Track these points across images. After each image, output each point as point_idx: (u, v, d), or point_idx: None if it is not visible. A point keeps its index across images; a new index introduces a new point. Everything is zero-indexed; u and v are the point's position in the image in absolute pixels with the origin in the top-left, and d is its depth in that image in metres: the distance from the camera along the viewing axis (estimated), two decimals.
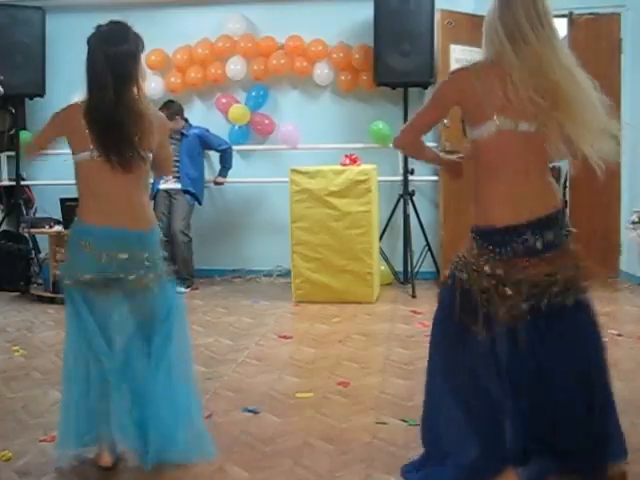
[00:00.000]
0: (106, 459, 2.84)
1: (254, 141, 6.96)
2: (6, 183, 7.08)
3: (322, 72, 6.67)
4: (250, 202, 7.03)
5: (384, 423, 3.28)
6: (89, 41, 2.77)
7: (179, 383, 2.85)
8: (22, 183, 7.02)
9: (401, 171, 6.52)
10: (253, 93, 6.84)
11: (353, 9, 6.54)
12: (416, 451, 2.71)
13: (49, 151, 6.60)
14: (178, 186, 6.46)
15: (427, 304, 5.26)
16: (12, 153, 6.93)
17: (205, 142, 6.59)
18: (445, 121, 5.98)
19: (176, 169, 6.43)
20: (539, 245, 2.41)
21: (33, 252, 6.55)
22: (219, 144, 6.63)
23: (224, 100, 6.88)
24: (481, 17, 2.52)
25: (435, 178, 6.66)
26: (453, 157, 2.80)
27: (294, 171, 5.91)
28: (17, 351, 4.60)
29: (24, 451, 3.04)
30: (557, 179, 9.22)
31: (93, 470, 2.86)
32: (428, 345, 2.60)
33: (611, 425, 2.51)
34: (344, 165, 5.93)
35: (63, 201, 5.96)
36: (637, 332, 4.72)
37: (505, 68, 2.34)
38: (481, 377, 2.42)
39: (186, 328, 3.00)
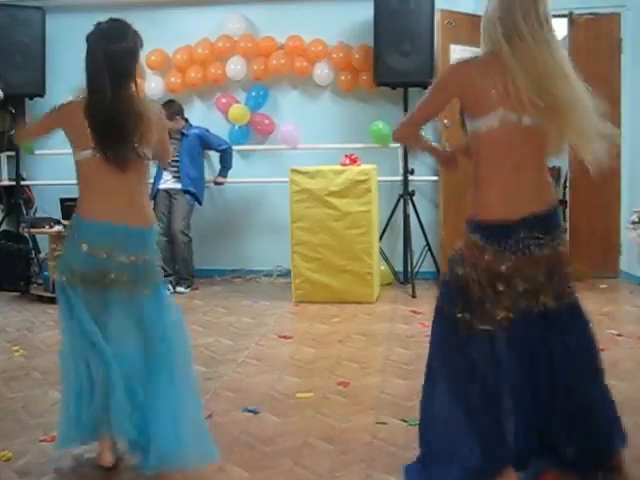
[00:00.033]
0: (107, 459, 2.84)
1: (254, 141, 6.96)
2: (6, 183, 7.08)
3: (322, 72, 6.67)
4: (250, 202, 7.03)
5: (384, 423, 3.28)
6: (88, 38, 2.78)
7: (180, 386, 2.84)
8: (22, 183, 7.03)
9: (401, 171, 6.52)
10: (253, 93, 6.84)
11: (353, 9, 6.54)
12: (416, 451, 2.70)
13: (49, 151, 6.72)
14: (178, 186, 6.46)
15: (427, 304, 5.25)
16: (12, 153, 6.93)
17: (205, 142, 6.59)
18: (445, 121, 5.98)
19: (176, 169, 6.44)
20: (533, 241, 2.41)
21: (33, 252, 6.56)
22: (219, 144, 6.63)
23: (224, 100, 6.89)
24: (481, 17, 2.53)
25: (435, 178, 6.66)
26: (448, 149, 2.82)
27: (294, 171, 5.91)
28: (17, 351, 4.61)
29: (24, 451, 3.04)
30: (557, 179, 9.25)
31: (93, 470, 2.86)
32: (428, 345, 2.60)
33: (610, 420, 2.52)
34: (344, 165, 5.93)
35: (63, 201, 5.97)
36: (637, 332, 4.72)
37: (504, 63, 2.35)
38: (481, 377, 2.42)
39: (184, 328, 2.98)
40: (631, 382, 3.69)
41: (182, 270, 6.51)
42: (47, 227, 6.26)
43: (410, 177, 6.51)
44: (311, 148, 6.66)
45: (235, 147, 6.75)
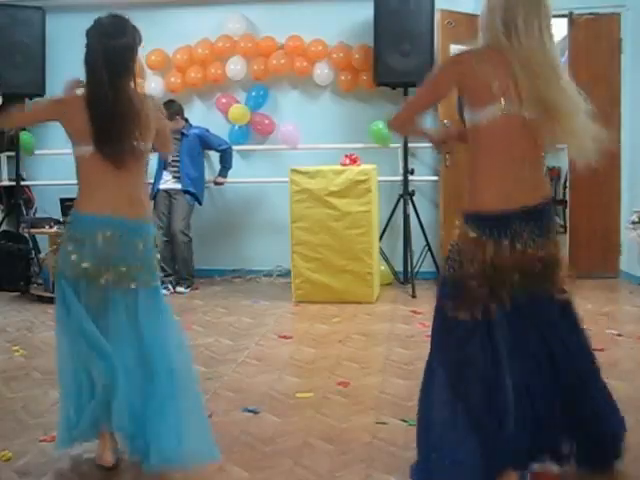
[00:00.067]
0: (108, 458, 2.84)
1: (254, 141, 6.96)
2: (6, 183, 7.09)
3: (322, 72, 6.67)
4: (250, 202, 7.03)
5: (384, 423, 3.28)
6: (88, 34, 2.79)
7: (180, 385, 2.84)
8: (22, 183, 7.02)
9: (401, 171, 6.52)
10: (253, 93, 6.84)
11: (353, 9, 6.54)
12: (416, 451, 2.71)
13: (49, 151, 6.73)
14: (178, 186, 6.45)
15: (427, 304, 5.25)
16: (12, 153, 6.93)
17: (205, 142, 6.58)
18: (445, 121, 5.99)
19: (176, 169, 6.44)
20: (527, 233, 2.42)
21: (33, 252, 6.55)
22: (219, 144, 6.63)
23: (224, 100, 6.88)
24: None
25: (435, 178, 6.66)
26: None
27: (294, 171, 5.91)
28: (17, 351, 4.61)
29: (24, 451, 3.04)
30: (557, 179, 9.25)
31: (93, 470, 2.86)
32: (428, 345, 2.60)
33: (611, 417, 2.53)
34: (344, 165, 5.93)
35: (63, 201, 5.97)
36: (637, 332, 4.72)
37: (505, 57, 2.36)
38: (481, 376, 2.42)
39: (178, 326, 2.99)
40: (631, 382, 3.69)
41: (182, 270, 6.51)
42: (47, 227, 6.26)
43: (410, 177, 6.51)
44: (311, 148, 6.66)
45: (235, 147, 6.75)
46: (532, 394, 2.44)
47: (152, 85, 6.72)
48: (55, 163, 6.69)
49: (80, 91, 2.83)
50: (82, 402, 2.82)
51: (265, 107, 6.88)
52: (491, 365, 2.42)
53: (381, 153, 6.49)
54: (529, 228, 2.42)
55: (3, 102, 6.40)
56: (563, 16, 6.25)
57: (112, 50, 2.73)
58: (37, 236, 6.62)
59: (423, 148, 6.65)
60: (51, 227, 6.22)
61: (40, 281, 6.42)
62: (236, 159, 6.76)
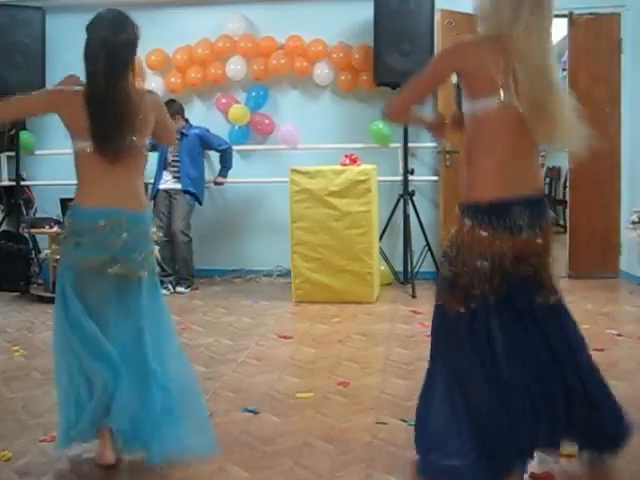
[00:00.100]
0: (108, 457, 2.83)
1: (254, 141, 6.96)
2: (6, 183, 7.09)
3: (322, 72, 6.67)
4: (250, 202, 7.03)
5: (384, 423, 3.28)
6: (88, 28, 2.79)
7: (180, 383, 2.85)
8: (22, 183, 7.02)
9: (401, 171, 6.52)
10: (253, 93, 6.84)
11: (353, 9, 6.55)
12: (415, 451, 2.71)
13: (49, 151, 6.72)
14: (178, 186, 6.45)
15: (427, 304, 5.24)
16: (12, 153, 6.94)
17: (205, 142, 6.58)
18: (446, 122, 5.97)
19: (176, 169, 6.45)
20: (523, 223, 2.42)
21: (33, 252, 6.55)
22: (219, 144, 6.63)
23: (224, 100, 6.89)
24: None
25: (435, 178, 6.67)
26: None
27: (294, 171, 5.91)
28: (17, 351, 4.60)
29: (24, 451, 3.04)
30: (557, 179, 9.25)
31: (93, 470, 2.86)
32: (428, 345, 2.60)
33: (613, 413, 2.53)
34: (344, 165, 5.93)
35: (63, 201, 5.96)
36: (637, 332, 4.72)
37: (506, 48, 2.37)
38: (481, 375, 2.42)
39: (171, 323, 3.02)
40: (631, 382, 3.69)
41: (182, 270, 6.51)
42: (47, 227, 6.26)
43: (410, 177, 6.51)
44: (311, 148, 6.66)
45: (235, 147, 6.75)
46: (532, 393, 2.44)
47: (152, 85, 6.71)
48: (55, 163, 6.69)
49: (78, 88, 2.83)
50: (81, 402, 2.81)
51: (265, 107, 6.88)
52: (491, 364, 2.42)
53: (381, 153, 6.49)
54: (527, 217, 2.42)
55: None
56: (563, 16, 6.25)
57: (112, 45, 2.73)
58: (37, 236, 6.62)
59: (423, 148, 6.65)
60: (51, 227, 6.22)
61: (40, 281, 6.43)
62: (236, 159, 6.76)
